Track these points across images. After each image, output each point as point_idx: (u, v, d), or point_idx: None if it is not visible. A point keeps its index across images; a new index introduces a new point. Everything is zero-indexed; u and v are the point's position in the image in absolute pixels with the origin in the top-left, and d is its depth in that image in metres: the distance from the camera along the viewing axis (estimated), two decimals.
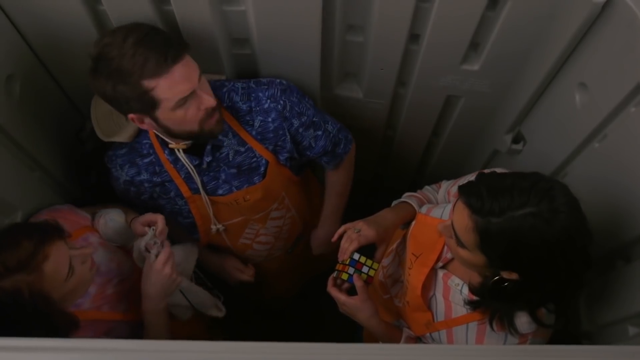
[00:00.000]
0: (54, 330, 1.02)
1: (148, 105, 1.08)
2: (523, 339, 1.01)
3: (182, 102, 1.09)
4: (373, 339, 1.26)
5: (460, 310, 1.08)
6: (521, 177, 0.90)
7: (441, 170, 1.80)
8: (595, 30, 1.08)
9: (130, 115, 1.13)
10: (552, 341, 1.07)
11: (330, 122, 1.36)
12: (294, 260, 1.68)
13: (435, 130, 1.61)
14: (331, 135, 1.35)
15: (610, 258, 1.13)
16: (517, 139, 1.45)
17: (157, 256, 1.18)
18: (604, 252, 1.14)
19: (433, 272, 1.13)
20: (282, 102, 1.24)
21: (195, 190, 1.29)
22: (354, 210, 1.63)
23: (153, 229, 1.21)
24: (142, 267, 1.26)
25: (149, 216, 1.24)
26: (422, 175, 1.89)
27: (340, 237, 1.20)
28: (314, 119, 1.30)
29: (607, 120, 1.09)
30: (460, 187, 0.92)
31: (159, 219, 1.22)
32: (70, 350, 0.67)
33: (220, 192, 1.31)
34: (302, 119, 1.27)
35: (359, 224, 1.18)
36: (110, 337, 1.18)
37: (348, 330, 1.31)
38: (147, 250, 1.20)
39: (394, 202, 1.30)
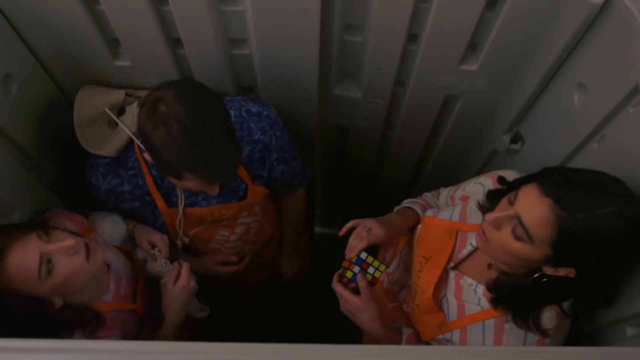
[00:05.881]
0: (67, 328, 1.03)
1: (175, 176, 1.09)
2: (544, 335, 0.98)
3: None
4: (373, 342, 1.22)
5: (474, 308, 1.07)
6: (594, 173, 0.87)
7: (439, 170, 1.80)
8: (594, 30, 1.07)
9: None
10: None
11: (298, 159, 1.41)
12: (261, 262, 1.68)
13: (434, 130, 1.61)
14: (294, 171, 1.40)
15: None
16: (515, 139, 1.45)
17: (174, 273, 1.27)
18: None
19: (444, 273, 1.12)
20: (269, 135, 1.27)
21: (172, 204, 1.31)
22: (351, 211, 1.63)
23: (158, 251, 1.31)
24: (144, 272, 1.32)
25: (156, 240, 1.32)
26: (420, 175, 1.89)
27: (348, 231, 1.16)
28: (286, 155, 1.34)
29: (605, 120, 1.09)
30: (538, 179, 0.87)
31: (163, 245, 1.31)
32: (68, 351, 0.67)
33: (198, 205, 1.33)
34: (280, 154, 1.31)
35: (369, 222, 1.14)
36: (127, 328, 1.20)
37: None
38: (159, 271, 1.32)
39: (396, 208, 1.30)
